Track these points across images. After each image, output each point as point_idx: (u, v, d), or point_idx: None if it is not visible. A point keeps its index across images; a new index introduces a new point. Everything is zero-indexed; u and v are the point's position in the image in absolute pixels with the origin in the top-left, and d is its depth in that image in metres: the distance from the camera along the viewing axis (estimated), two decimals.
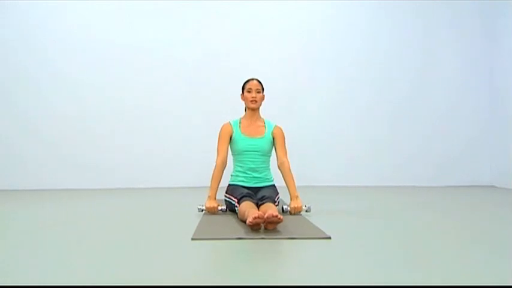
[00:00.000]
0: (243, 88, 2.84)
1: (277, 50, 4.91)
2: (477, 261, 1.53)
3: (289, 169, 2.74)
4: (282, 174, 2.74)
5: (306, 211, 2.66)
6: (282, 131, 2.83)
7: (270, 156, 2.81)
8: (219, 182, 2.73)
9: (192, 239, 1.89)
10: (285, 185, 2.74)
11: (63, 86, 4.75)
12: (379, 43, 5.00)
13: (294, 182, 2.70)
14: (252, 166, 2.72)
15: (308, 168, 4.88)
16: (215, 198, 2.70)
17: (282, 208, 2.65)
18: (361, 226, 2.26)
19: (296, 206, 2.60)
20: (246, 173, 2.73)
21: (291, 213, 2.61)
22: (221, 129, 2.81)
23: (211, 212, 2.63)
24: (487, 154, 4.98)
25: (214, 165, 2.72)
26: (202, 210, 2.70)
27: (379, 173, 4.92)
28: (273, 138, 2.80)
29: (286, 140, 2.84)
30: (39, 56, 4.73)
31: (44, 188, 4.61)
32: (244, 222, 2.22)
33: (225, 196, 2.72)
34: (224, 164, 2.73)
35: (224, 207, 2.69)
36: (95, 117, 4.76)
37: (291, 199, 2.67)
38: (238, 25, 4.89)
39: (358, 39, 4.99)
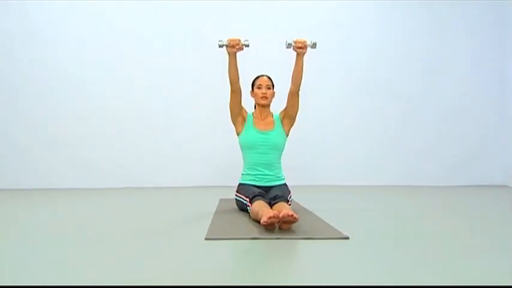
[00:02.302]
0: (252, 85, 2.78)
1: (283, 47, 4.83)
2: (491, 261, 1.47)
3: (291, 79, 2.65)
4: (294, 77, 2.61)
5: (312, 47, 2.56)
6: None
7: (281, 151, 2.73)
8: (236, 66, 2.57)
9: (206, 238, 1.83)
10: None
11: (68, 84, 4.68)
12: (387, 41, 4.92)
13: None
14: (263, 162, 2.65)
15: (316, 167, 4.81)
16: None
17: (286, 42, 2.52)
18: (377, 226, 2.20)
19: (300, 39, 2.53)
20: (257, 170, 2.65)
21: (294, 48, 2.55)
22: None
23: (233, 44, 2.46)
24: (498, 153, 4.90)
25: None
26: (222, 46, 2.46)
27: (389, 172, 4.84)
28: (284, 124, 2.72)
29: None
30: (45, 54, 4.67)
31: (49, 187, 4.56)
32: (258, 222, 2.16)
33: (236, 195, 2.66)
34: (239, 84, 2.60)
35: (248, 42, 2.46)
36: (100, 116, 4.69)
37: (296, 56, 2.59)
38: (242, 22, 4.82)
39: (366, 36, 4.91)
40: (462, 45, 4.94)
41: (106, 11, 4.74)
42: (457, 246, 1.73)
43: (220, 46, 2.49)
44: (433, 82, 4.94)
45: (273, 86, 2.76)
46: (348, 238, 1.82)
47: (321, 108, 4.81)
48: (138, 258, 1.53)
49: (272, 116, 2.76)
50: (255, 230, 1.99)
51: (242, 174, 2.75)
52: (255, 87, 2.73)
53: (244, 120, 2.72)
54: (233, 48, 2.51)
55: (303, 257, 1.61)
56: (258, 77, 2.76)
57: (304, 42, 2.58)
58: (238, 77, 2.62)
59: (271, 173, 2.67)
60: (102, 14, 4.74)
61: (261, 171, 2.66)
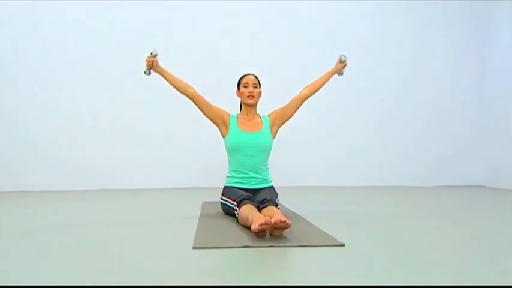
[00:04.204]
0: (238, 84, 2.67)
1: (266, 49, 4.77)
2: (480, 262, 1.43)
3: (310, 83, 2.75)
4: (314, 89, 2.74)
5: (340, 73, 2.83)
6: (274, 110, 2.69)
7: (269, 153, 2.64)
8: (170, 78, 2.57)
9: (194, 247, 1.71)
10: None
11: (42, 84, 4.46)
12: (370, 43, 4.92)
13: None
14: (250, 164, 2.54)
15: (299, 169, 4.76)
16: (160, 67, 2.55)
17: (342, 55, 2.79)
18: (370, 231, 2.13)
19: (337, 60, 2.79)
20: (243, 173, 2.55)
21: (339, 65, 2.80)
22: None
23: (149, 63, 2.50)
24: (477, 154, 4.97)
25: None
26: (150, 72, 2.53)
27: (371, 173, 4.84)
28: (274, 125, 2.63)
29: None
30: (19, 53, 4.43)
31: (26, 190, 4.31)
32: (246, 227, 2.06)
33: (222, 199, 2.54)
34: (187, 89, 2.58)
35: (156, 51, 2.49)
36: (76, 116, 4.49)
37: (334, 70, 2.80)
38: (228, 21, 4.72)
39: (349, 39, 4.89)
40: (443, 48, 5.00)
41: (86, 8, 4.54)
42: (455, 248, 1.68)
43: (149, 73, 2.53)
44: (414, 84, 4.97)
45: (260, 85, 2.66)
46: (343, 245, 1.74)
47: (303, 109, 4.73)
48: (119, 272, 1.40)
49: (260, 117, 2.66)
50: (245, 237, 1.88)
51: (227, 176, 2.64)
52: (241, 86, 2.63)
53: (225, 123, 2.60)
54: (152, 65, 2.52)
55: (299, 266, 1.51)
56: (244, 76, 2.65)
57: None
58: (182, 85, 2.59)
59: (258, 176, 2.57)
60: (81, 11, 4.54)
61: (248, 174, 2.55)
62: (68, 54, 4.49)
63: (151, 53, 2.49)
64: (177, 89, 2.59)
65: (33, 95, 4.44)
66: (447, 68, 4.99)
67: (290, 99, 2.70)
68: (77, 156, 4.46)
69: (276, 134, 2.68)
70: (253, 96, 2.59)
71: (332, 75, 2.79)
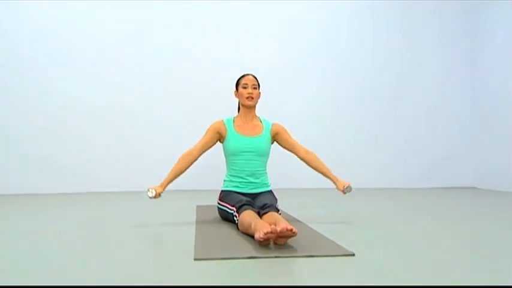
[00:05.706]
0: (237, 84, 2.57)
1: (261, 49, 4.69)
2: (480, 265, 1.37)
3: (317, 157, 2.56)
4: (311, 163, 2.55)
5: (344, 191, 2.47)
6: (282, 126, 2.61)
7: (267, 158, 2.55)
8: (176, 175, 2.43)
9: (195, 259, 1.61)
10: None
11: (30, 80, 4.27)
12: (363, 44, 4.89)
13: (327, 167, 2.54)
14: (248, 169, 2.45)
15: (292, 170, 4.66)
16: (162, 187, 2.40)
17: (350, 187, 2.45)
18: (374, 236, 2.06)
19: (345, 183, 2.44)
20: (242, 177, 2.46)
21: (344, 189, 2.43)
22: (210, 124, 2.53)
23: (154, 197, 2.37)
24: (468, 156, 4.99)
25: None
26: (159, 195, 2.40)
27: (363, 175, 4.80)
28: (273, 137, 2.56)
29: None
30: (1, 47, 4.23)
31: (6, 193, 4.12)
32: (247, 234, 1.97)
33: (219, 204, 2.44)
34: (191, 157, 2.44)
35: (148, 192, 2.35)
36: (62, 114, 4.32)
37: (335, 181, 2.48)
38: (223, 20, 4.63)
39: (342, 40, 4.85)
40: (435, 52, 5.00)
41: (73, 8, 4.37)
42: (459, 250, 1.62)
43: (159, 196, 2.41)
44: (406, 87, 4.96)
45: (259, 85, 2.57)
46: (353, 255, 1.66)
47: (297, 111, 4.69)
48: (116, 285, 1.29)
49: (260, 120, 2.57)
50: (249, 247, 1.78)
51: (225, 180, 2.54)
52: (239, 87, 2.53)
53: (222, 134, 2.50)
54: (156, 196, 2.37)
55: (310, 279, 1.43)
56: (243, 76, 2.56)
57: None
58: (186, 163, 2.45)
59: (256, 181, 2.48)
60: (73, 5, 4.36)
61: (246, 178, 2.46)
62: (57, 53, 4.32)
63: (150, 197, 2.35)
64: (187, 169, 2.47)
65: (20, 93, 4.25)
66: (438, 69, 4.99)
67: (296, 141, 2.63)
68: (65, 158, 4.29)
69: (272, 143, 2.60)
70: (253, 98, 2.49)
71: (329, 179, 2.53)
